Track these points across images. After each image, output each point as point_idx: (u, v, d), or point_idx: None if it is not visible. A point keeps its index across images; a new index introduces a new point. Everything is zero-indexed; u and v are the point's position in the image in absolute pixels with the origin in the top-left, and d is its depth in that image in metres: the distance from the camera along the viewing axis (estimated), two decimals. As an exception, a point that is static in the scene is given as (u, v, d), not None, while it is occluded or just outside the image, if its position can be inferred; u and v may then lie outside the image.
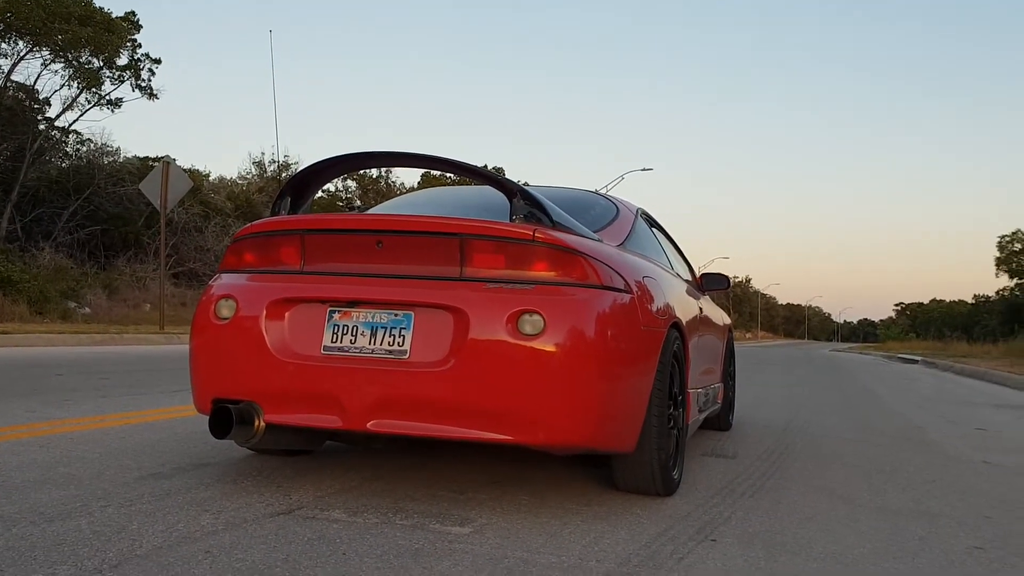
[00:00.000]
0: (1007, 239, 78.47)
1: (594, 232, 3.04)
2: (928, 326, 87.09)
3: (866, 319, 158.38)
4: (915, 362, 21.27)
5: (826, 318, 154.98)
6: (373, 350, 2.56)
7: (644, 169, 45.94)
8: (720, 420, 4.88)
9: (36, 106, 22.12)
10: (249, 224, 2.99)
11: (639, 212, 3.91)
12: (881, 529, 2.64)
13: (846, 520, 2.74)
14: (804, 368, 14.86)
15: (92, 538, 2.07)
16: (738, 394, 5.87)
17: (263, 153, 35.94)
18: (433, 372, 2.47)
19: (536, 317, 2.47)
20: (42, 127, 22.18)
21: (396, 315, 2.58)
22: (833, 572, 2.16)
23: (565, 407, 2.47)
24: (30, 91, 21.80)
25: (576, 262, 2.60)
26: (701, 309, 4.06)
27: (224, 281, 2.86)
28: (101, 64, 22.19)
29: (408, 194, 4.28)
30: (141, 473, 2.85)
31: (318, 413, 2.56)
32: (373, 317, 2.60)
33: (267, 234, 2.85)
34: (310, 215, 2.97)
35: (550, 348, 2.45)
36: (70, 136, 23.59)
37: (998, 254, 78.72)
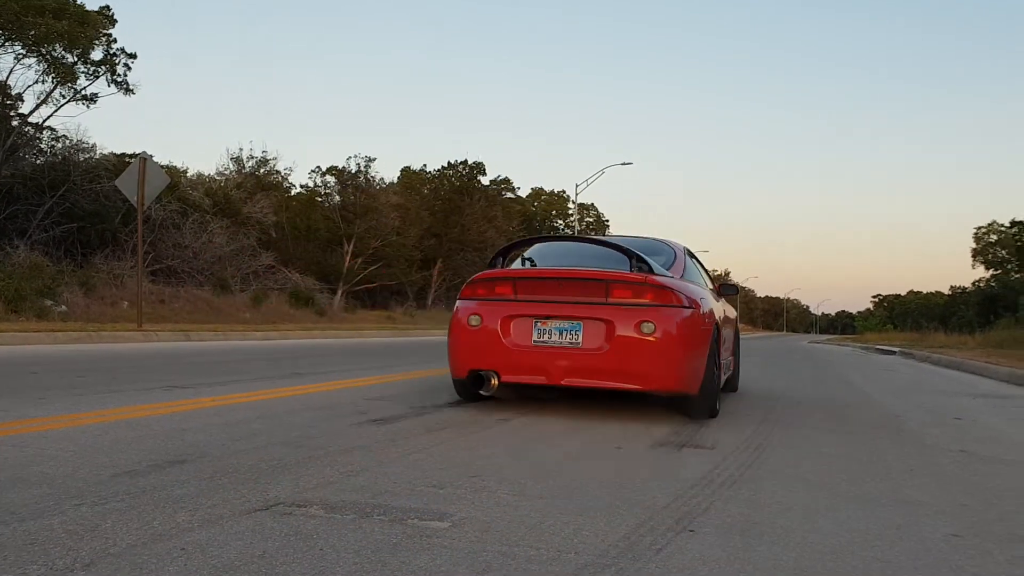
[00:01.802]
0: (983, 231, 79.33)
1: (666, 270, 5.31)
2: (905, 317, 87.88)
3: (844, 311, 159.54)
4: (893, 353, 21.45)
5: (804, 310, 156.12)
6: (561, 343, 4.78)
7: (624, 164, 46.19)
8: (732, 382, 7.11)
9: (9, 102, 21.83)
10: (480, 273, 5.27)
11: (685, 250, 6.20)
12: (859, 518, 2.65)
13: (824, 509, 2.75)
14: (784, 360, 14.95)
15: (64, 537, 2.04)
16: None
17: (241, 149, 35.84)
18: (596, 354, 4.69)
19: (649, 324, 4.66)
20: (15, 123, 21.89)
21: (572, 323, 4.79)
22: (811, 560, 2.16)
23: (666, 370, 4.68)
24: (2, 86, 21.51)
25: (667, 293, 4.80)
26: (724, 310, 6.39)
27: (469, 304, 5.09)
28: (75, 59, 21.94)
29: (553, 243, 6.44)
30: (116, 471, 2.82)
31: (533, 375, 4.80)
32: (560, 325, 4.81)
33: (493, 279, 5.11)
34: (517, 268, 5.45)
35: (658, 339, 4.64)
36: (44, 132, 23.31)
37: (974, 245, 79.62)
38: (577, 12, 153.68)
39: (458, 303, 5.23)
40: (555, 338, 4.80)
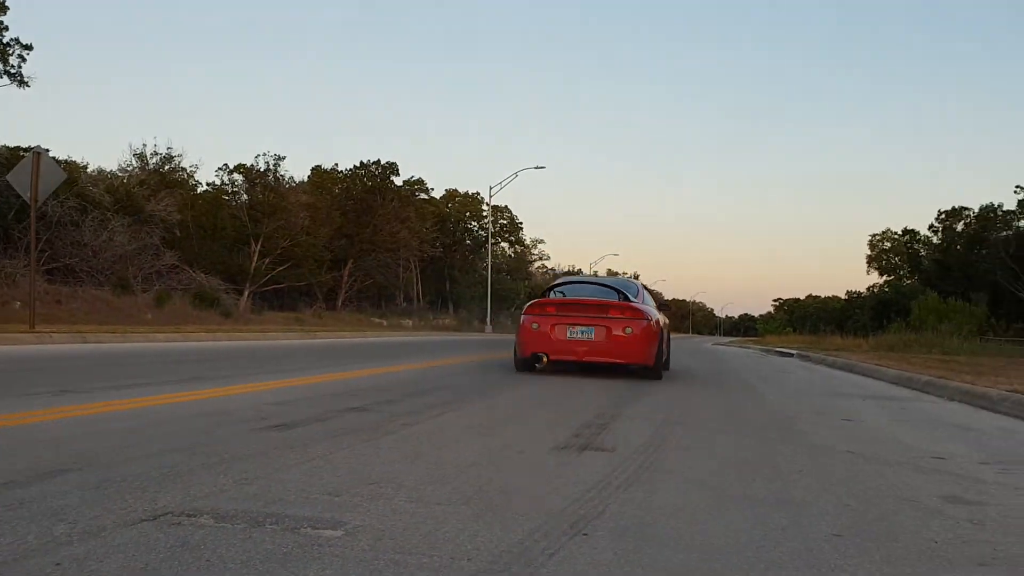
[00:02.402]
0: (878, 238, 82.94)
1: (634, 298, 9.52)
2: (804, 321, 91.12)
3: (747, 314, 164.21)
4: (791, 355, 22.17)
5: (709, 313, 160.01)
6: (582, 338, 8.90)
7: (537, 167, 46.66)
8: (667, 363, 10.83)
9: None
10: (536, 299, 9.71)
11: (642, 286, 10.51)
12: (747, 519, 2.73)
13: (714, 511, 2.83)
14: (688, 361, 15.28)
15: (-69, 554, 1.94)
16: (622, 392, 5.99)
17: (145, 145, 34.65)
18: (601, 344, 8.85)
19: (629, 328, 8.86)
20: None
21: (588, 327, 8.91)
22: (698, 562, 2.22)
23: (637, 352, 8.90)
24: None
25: (637, 311, 9.09)
26: (663, 319, 10.24)
27: (531, 316, 9.21)
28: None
29: (575, 283, 11.08)
30: (-7, 482, 2.69)
31: (566, 355, 8.97)
32: (581, 328, 8.92)
33: (543, 303, 9.38)
34: (558, 298, 9.68)
35: (633, 336, 8.86)
36: (-71, 123, 22.12)
37: (869, 252, 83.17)
38: (489, 13, 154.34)
39: (523, 316, 9.42)
40: (579, 335, 8.98)
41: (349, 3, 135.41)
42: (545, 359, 9.01)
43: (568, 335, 8.92)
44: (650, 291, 11.17)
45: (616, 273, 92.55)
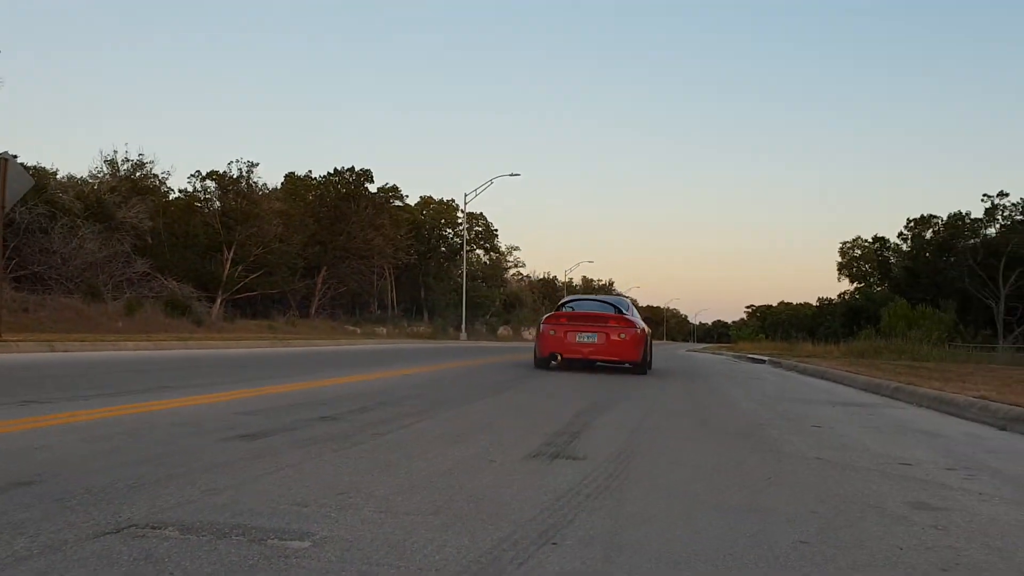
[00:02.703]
0: (848, 246, 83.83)
1: (626, 312, 13.00)
2: (777, 327, 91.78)
3: (720, 320, 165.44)
4: (763, 362, 22.35)
5: (683, 319, 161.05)
6: (588, 342, 12.06)
7: (512, 175, 46.86)
8: (651, 364, 13.43)
9: None
10: (552, 312, 13.18)
11: (632, 301, 15.50)
12: (716, 527, 2.74)
13: (684, 519, 2.84)
14: (662, 366, 15.35)
15: None
16: (596, 398, 6.02)
17: (116, 151, 34.25)
18: (602, 346, 12.03)
19: (623, 334, 12.10)
20: None
21: (592, 334, 12.11)
22: (666, 570, 2.23)
23: (630, 353, 12.12)
24: None
25: (629, 322, 12.44)
26: (647, 328, 13.52)
27: (549, 325, 12.38)
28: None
29: (581, 300, 14.45)
30: (-47, 495, 2.65)
31: (575, 355, 12.12)
32: (587, 334, 12.09)
33: (558, 316, 12.71)
34: (567, 311, 13.13)
35: (626, 340, 12.08)
36: None
37: (840, 259, 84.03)
38: (463, 22, 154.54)
39: (543, 325, 12.49)
40: (585, 340, 11.98)
41: (323, 9, 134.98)
42: (560, 357, 12.13)
43: (577, 339, 12.07)
44: (637, 306, 15.13)
45: (591, 280, 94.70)
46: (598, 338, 11.94)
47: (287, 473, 3.25)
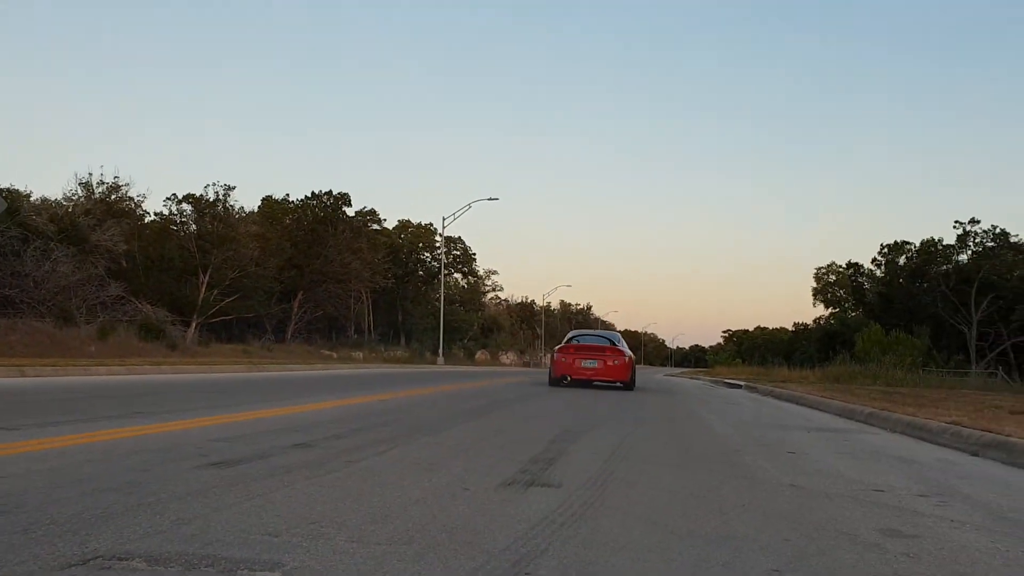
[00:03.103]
0: (823, 271, 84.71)
1: (618, 344, 17.67)
2: (753, 352, 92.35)
3: (697, 345, 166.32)
4: (739, 387, 22.45)
5: (661, 344, 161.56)
6: (590, 367, 16.59)
7: (490, 199, 47.03)
8: (636, 383, 17.56)
9: None
10: (563, 344, 17.72)
11: (621, 334, 19.43)
12: (689, 555, 2.74)
13: (657, 547, 2.83)
14: (639, 392, 15.37)
15: None
16: (572, 424, 6.00)
17: (91, 173, 33.98)
18: (600, 370, 16.55)
19: (616, 360, 16.69)
20: None
21: (593, 360, 16.66)
22: (639, 601, 2.22)
23: (621, 375, 16.64)
24: None
25: (621, 352, 17.07)
26: (633, 355, 17.60)
27: (560, 354, 17.02)
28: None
29: (584, 334, 19.67)
30: (-84, 526, 2.59)
31: (581, 376, 16.57)
32: (590, 361, 16.65)
33: (567, 347, 17.34)
34: (575, 343, 17.72)
35: (618, 366, 16.64)
36: None
37: (815, 285, 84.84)
38: (442, 45, 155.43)
39: (556, 354, 17.03)
40: (588, 365, 16.49)
41: (300, 31, 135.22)
42: (569, 379, 16.54)
43: (582, 365, 16.47)
44: (623, 338, 18.81)
45: (569, 304, 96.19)
46: (597, 364, 16.46)
47: (259, 502, 3.22)
